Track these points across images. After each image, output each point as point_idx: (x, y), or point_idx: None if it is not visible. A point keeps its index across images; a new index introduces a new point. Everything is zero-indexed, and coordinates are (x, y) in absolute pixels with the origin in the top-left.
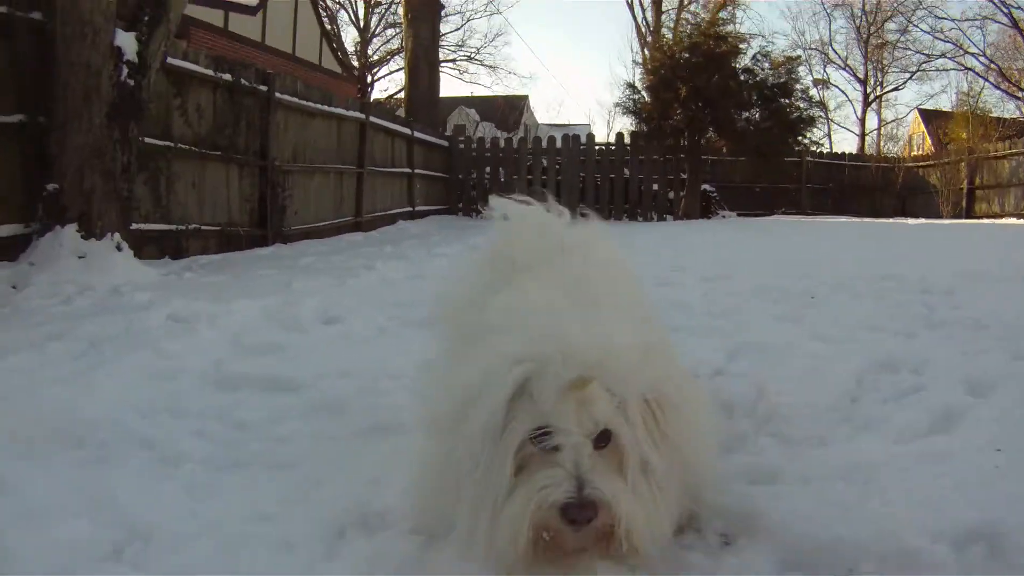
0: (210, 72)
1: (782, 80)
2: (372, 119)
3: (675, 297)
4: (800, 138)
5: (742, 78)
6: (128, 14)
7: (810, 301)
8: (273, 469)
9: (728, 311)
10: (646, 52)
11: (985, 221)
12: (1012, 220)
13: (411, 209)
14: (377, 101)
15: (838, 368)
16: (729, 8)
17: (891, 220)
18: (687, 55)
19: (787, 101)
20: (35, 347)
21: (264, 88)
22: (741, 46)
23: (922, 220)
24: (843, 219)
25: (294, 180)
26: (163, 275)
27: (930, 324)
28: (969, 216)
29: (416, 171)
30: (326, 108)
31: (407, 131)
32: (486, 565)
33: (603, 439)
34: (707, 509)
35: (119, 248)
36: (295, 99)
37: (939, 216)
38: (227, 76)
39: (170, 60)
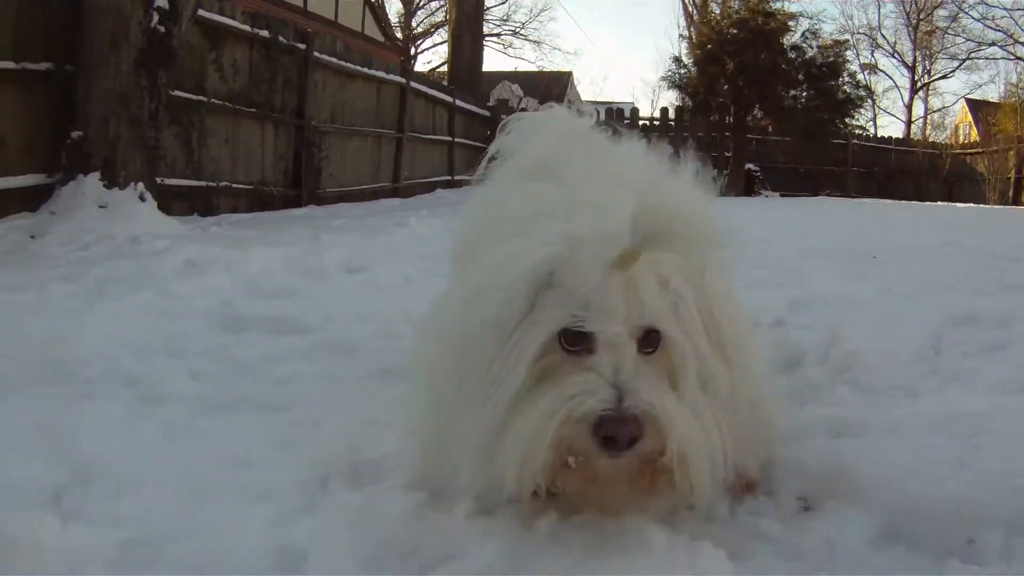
0: (247, 28)
1: (831, 60)
2: (413, 84)
3: None
4: (848, 120)
5: (791, 55)
6: None
7: (872, 261)
8: (265, 411)
9: (786, 268)
10: (692, 27)
11: None
12: None
13: (450, 178)
14: (421, 74)
15: (916, 320)
16: None
17: (939, 204)
18: (735, 31)
19: (835, 83)
20: (37, 288)
21: (303, 46)
22: (790, 23)
23: (971, 205)
24: (889, 202)
25: (331, 141)
26: (188, 229)
27: (1004, 285)
28: (1017, 204)
29: (457, 140)
30: (366, 70)
31: (448, 99)
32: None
33: (651, 342)
34: (780, 466)
35: (142, 198)
36: (334, 59)
37: (986, 204)
38: (264, 32)
39: (205, 13)
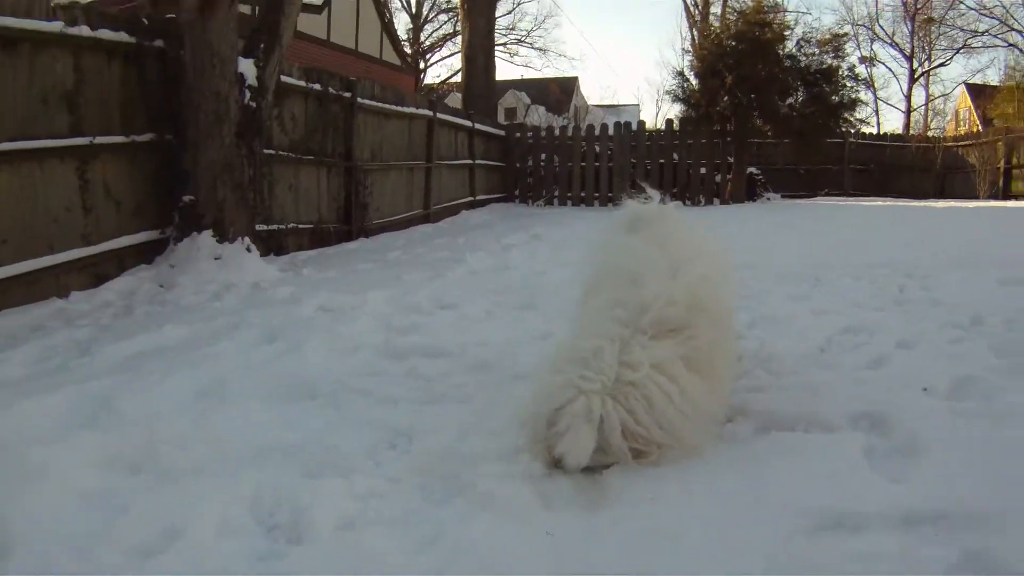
0: (303, 83)
1: (824, 66)
2: (439, 116)
3: None
4: (842, 121)
5: (786, 64)
6: (247, 42)
7: (817, 283)
8: (457, 403)
9: (754, 292)
10: (695, 34)
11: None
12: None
13: (472, 199)
14: (430, 87)
15: (820, 331)
16: None
17: (921, 203)
18: (733, 43)
19: (829, 87)
20: (226, 335)
21: (348, 95)
22: (785, 32)
23: (949, 203)
24: (878, 202)
25: (373, 178)
26: (283, 272)
27: (897, 301)
28: (1006, 195)
29: (477, 161)
30: (400, 108)
31: (468, 123)
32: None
33: None
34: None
35: (248, 250)
36: (374, 103)
37: (975, 196)
38: (317, 86)
39: None
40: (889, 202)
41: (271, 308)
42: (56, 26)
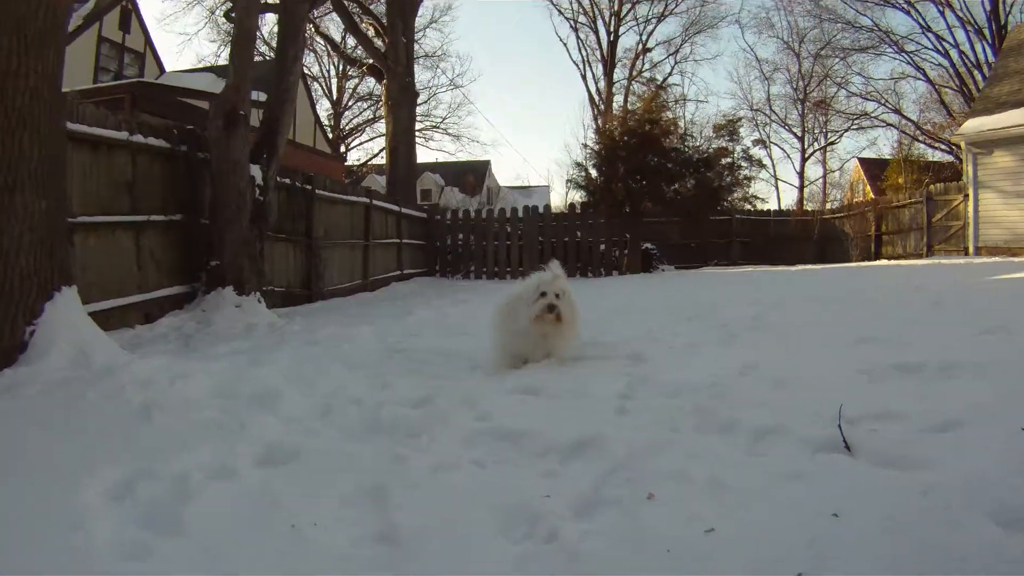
0: (281, 180)
1: (705, 155)
2: (374, 202)
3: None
4: (724, 202)
5: (672, 155)
6: (252, 152)
7: (675, 331)
8: (436, 367)
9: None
10: (599, 123)
11: (873, 264)
12: (886, 262)
13: (400, 272)
14: (350, 168)
15: (628, 332)
16: (661, 97)
17: (779, 268)
18: (626, 138)
19: (711, 173)
20: (279, 347)
21: (309, 187)
22: (671, 128)
23: (799, 267)
24: (749, 268)
25: (327, 253)
26: (283, 318)
27: (689, 318)
28: (878, 258)
29: (404, 240)
30: (345, 197)
31: (396, 208)
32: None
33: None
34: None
35: (259, 301)
36: (326, 192)
37: (849, 260)
38: (287, 180)
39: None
40: (757, 268)
41: (295, 335)
42: (123, 135)
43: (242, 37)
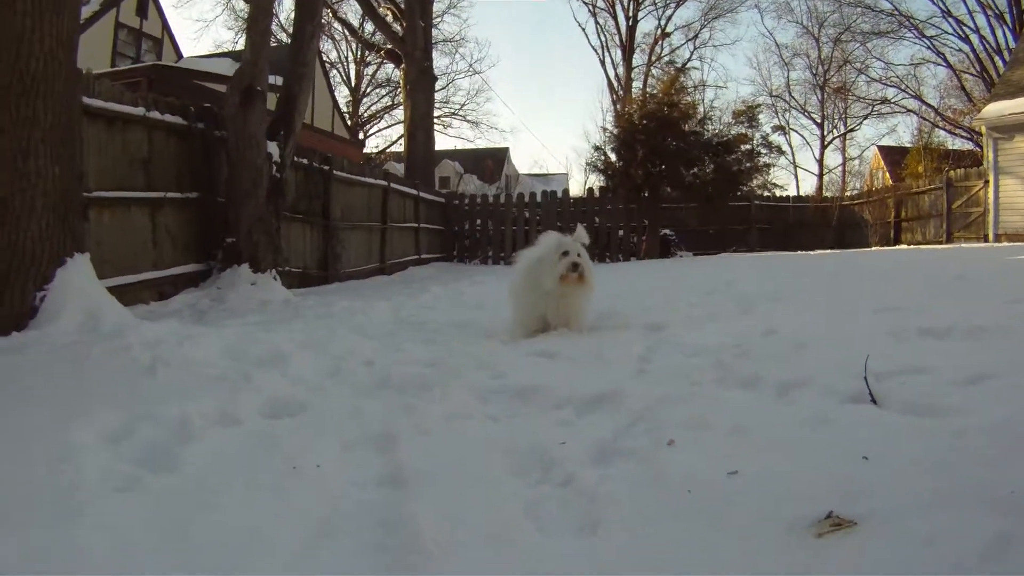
0: (296, 159)
1: (725, 139)
2: (392, 185)
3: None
4: (743, 187)
5: (691, 138)
6: (269, 129)
7: (692, 303)
8: (449, 336)
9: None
10: (617, 107)
11: (894, 249)
12: (906, 247)
13: (418, 257)
14: (368, 155)
15: (639, 303)
16: (681, 80)
17: (799, 252)
18: (645, 121)
19: (731, 158)
20: (292, 320)
21: (327, 167)
22: (690, 111)
23: (819, 252)
24: (770, 254)
25: (344, 235)
26: (299, 296)
27: (709, 292)
28: (898, 244)
29: (421, 225)
30: (362, 179)
31: (414, 192)
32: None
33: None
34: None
35: (275, 278)
36: (343, 173)
37: (868, 246)
38: (305, 160)
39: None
40: (776, 254)
41: (309, 309)
42: (140, 110)
43: (258, 11)
